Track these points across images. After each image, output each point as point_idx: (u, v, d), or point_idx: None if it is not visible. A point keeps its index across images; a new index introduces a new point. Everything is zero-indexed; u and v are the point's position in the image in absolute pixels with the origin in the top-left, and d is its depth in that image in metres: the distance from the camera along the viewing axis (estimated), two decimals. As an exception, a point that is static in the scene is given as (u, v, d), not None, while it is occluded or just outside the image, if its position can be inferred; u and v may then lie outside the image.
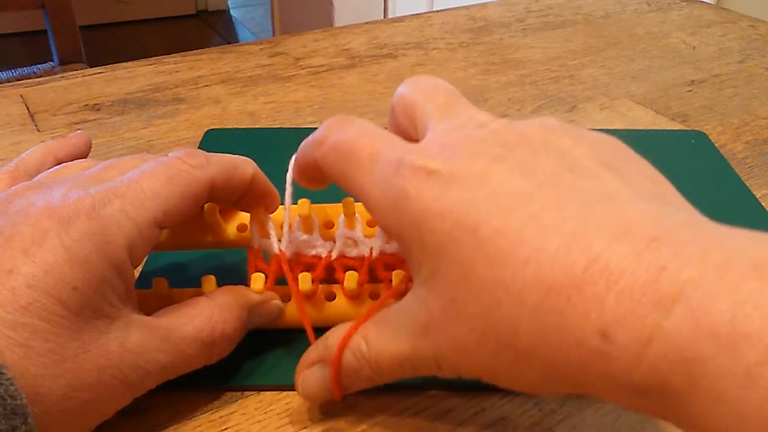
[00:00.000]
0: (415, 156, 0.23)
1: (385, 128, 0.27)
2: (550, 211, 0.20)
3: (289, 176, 0.28)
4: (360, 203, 0.30)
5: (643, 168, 0.23)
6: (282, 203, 0.30)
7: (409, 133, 0.27)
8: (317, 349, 0.26)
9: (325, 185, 0.28)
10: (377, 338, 0.24)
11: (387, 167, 0.23)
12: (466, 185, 0.21)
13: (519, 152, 0.22)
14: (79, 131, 0.34)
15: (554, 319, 0.19)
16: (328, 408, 0.27)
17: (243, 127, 0.49)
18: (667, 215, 0.20)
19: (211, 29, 2.83)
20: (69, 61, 1.09)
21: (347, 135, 0.25)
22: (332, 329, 0.26)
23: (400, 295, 0.26)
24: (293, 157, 0.28)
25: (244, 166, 0.29)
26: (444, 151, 0.23)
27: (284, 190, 0.29)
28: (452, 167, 0.22)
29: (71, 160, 0.31)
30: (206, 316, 0.26)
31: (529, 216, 0.20)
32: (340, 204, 0.30)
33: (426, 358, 0.23)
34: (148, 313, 0.26)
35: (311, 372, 0.26)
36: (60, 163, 0.31)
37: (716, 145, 0.48)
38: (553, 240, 0.19)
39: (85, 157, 0.33)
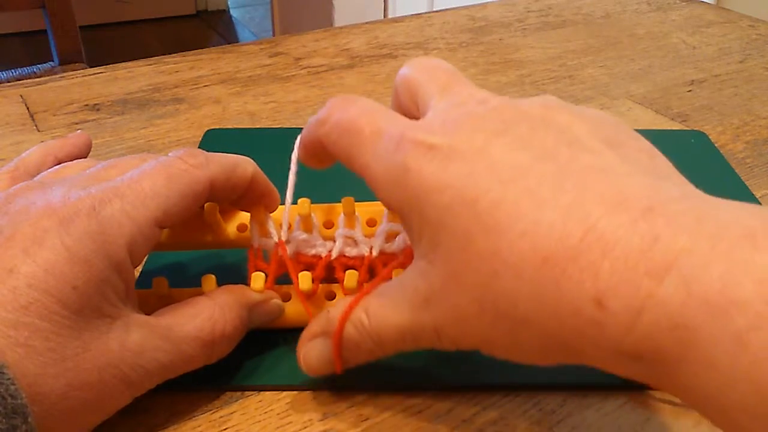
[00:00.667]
0: (416, 131, 0.23)
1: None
2: (547, 184, 0.20)
3: (294, 155, 0.29)
4: (359, 203, 0.30)
5: (640, 144, 0.23)
6: (282, 202, 0.31)
7: (412, 113, 0.27)
8: (319, 322, 0.26)
9: (329, 164, 0.28)
10: (378, 310, 0.25)
11: (389, 143, 0.24)
12: (465, 159, 0.22)
13: (519, 128, 0.22)
14: (78, 131, 0.34)
15: (551, 290, 0.19)
16: (328, 408, 0.27)
17: (243, 127, 0.50)
18: (662, 188, 0.20)
19: (211, 29, 2.83)
20: (69, 61, 1.09)
21: (350, 113, 0.25)
22: (334, 303, 0.26)
23: (402, 267, 0.27)
24: (298, 138, 0.28)
25: (244, 165, 0.29)
26: (445, 127, 0.23)
27: (284, 187, 0.29)
28: (452, 142, 0.22)
29: (71, 160, 0.31)
30: (206, 316, 0.26)
31: (526, 189, 0.20)
32: (340, 203, 0.30)
33: (426, 330, 0.23)
34: (148, 313, 0.26)
35: (313, 345, 0.26)
36: (60, 163, 0.31)
37: (716, 145, 0.48)
38: (550, 212, 0.20)
39: (85, 157, 0.33)
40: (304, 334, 0.27)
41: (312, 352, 0.26)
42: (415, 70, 0.27)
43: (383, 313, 0.25)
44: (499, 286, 0.20)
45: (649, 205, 0.19)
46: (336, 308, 0.26)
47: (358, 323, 0.25)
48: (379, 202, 0.30)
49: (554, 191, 0.20)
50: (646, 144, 0.23)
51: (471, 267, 0.21)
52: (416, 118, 0.26)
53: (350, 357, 0.26)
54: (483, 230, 0.21)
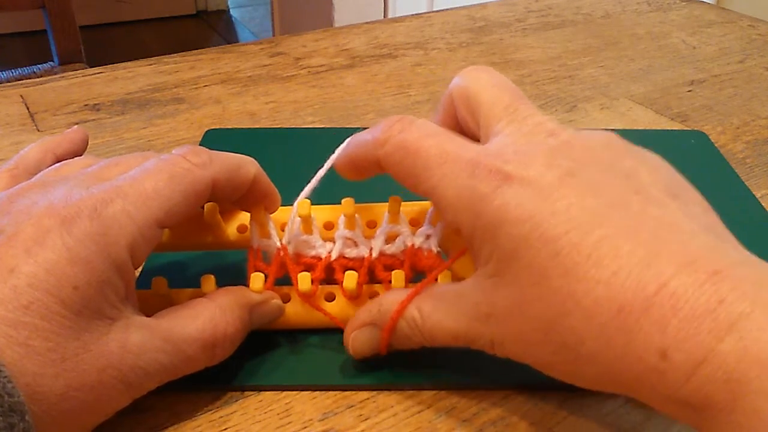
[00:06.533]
0: (491, 158, 0.24)
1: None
2: (623, 234, 0.22)
3: (327, 164, 0.29)
4: (359, 204, 0.30)
5: (694, 196, 0.25)
6: (284, 204, 0.31)
7: (470, 127, 0.28)
8: (370, 312, 0.28)
9: (366, 178, 0.29)
10: (433, 313, 0.26)
11: (461, 167, 0.24)
12: (543, 196, 0.23)
13: (589, 169, 0.24)
14: (75, 126, 0.34)
15: (621, 336, 0.21)
16: (328, 408, 0.27)
17: (243, 127, 0.50)
18: (725, 251, 0.22)
19: (211, 29, 2.83)
20: (69, 61, 1.09)
21: (413, 135, 0.26)
22: (384, 294, 0.28)
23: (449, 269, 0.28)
24: (337, 151, 0.29)
25: (248, 165, 0.29)
26: (518, 157, 0.24)
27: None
28: (527, 174, 0.23)
29: (70, 157, 0.31)
30: (207, 317, 0.26)
31: (604, 236, 0.22)
32: (341, 205, 0.30)
33: (483, 338, 0.25)
34: (147, 313, 0.26)
35: (362, 332, 0.28)
36: (59, 160, 0.30)
37: (716, 145, 0.48)
38: (627, 263, 0.21)
39: (82, 153, 0.33)
40: (353, 322, 0.28)
41: (361, 338, 0.28)
42: (476, 85, 0.28)
43: (438, 316, 0.26)
44: (569, 324, 0.22)
45: (715, 269, 0.20)
46: (388, 302, 0.27)
47: (410, 320, 0.26)
48: (379, 204, 0.30)
49: (630, 243, 0.21)
50: (698, 195, 0.25)
51: (542, 301, 0.22)
52: (472, 132, 0.27)
53: (398, 345, 0.28)
54: (560, 270, 0.22)
